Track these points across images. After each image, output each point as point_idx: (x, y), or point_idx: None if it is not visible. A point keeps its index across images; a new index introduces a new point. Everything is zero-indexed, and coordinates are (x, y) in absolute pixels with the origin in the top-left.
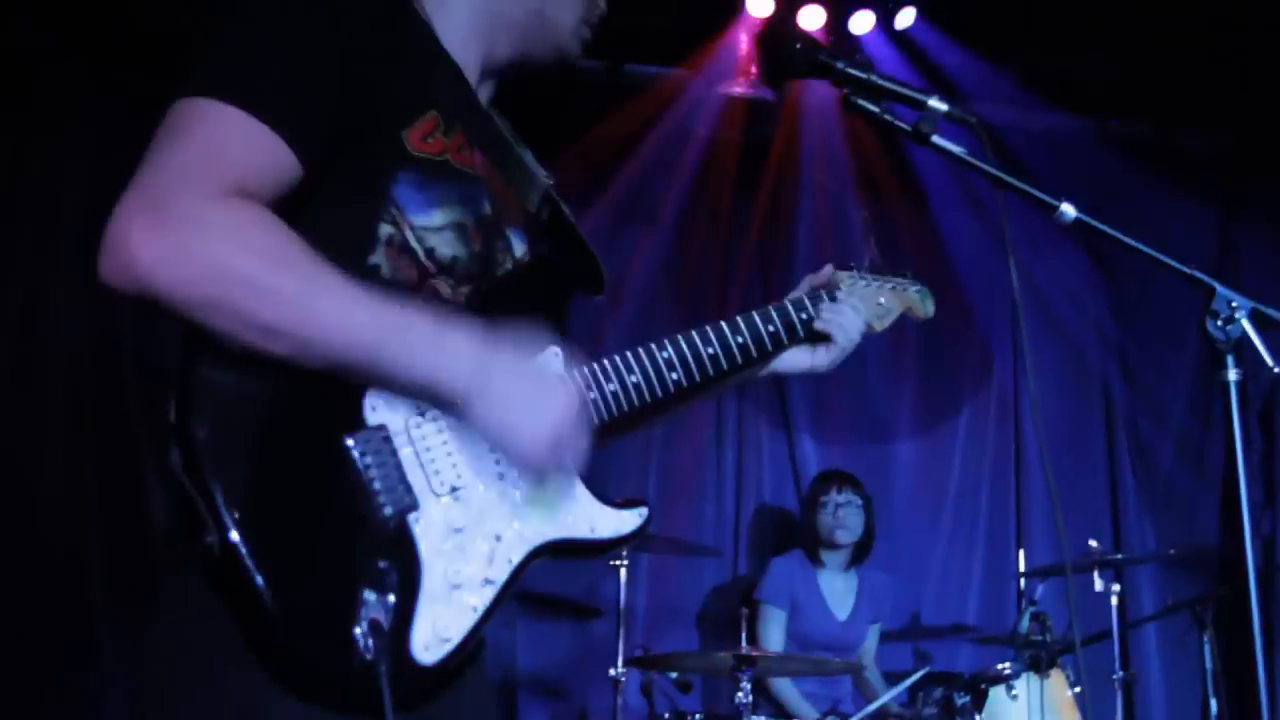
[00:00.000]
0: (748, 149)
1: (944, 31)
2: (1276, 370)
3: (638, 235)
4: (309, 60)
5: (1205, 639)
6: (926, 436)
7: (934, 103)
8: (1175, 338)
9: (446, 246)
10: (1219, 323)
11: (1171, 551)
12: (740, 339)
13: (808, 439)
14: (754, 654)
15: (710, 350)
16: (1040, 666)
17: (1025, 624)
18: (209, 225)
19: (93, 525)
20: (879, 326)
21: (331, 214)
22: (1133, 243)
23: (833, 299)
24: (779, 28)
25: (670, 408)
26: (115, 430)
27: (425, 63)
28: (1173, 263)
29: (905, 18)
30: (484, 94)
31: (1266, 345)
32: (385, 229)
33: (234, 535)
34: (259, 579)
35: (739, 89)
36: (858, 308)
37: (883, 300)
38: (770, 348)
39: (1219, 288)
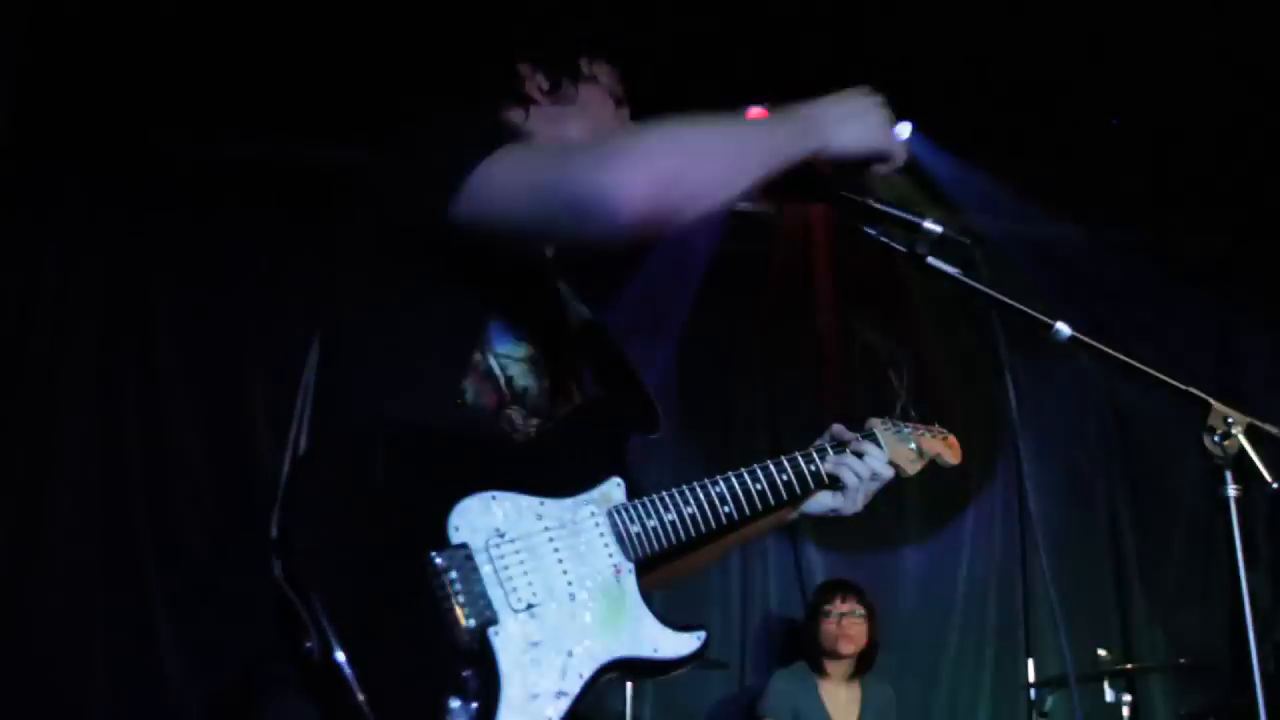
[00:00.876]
0: (749, 261)
1: (939, 144)
2: (1275, 486)
3: (639, 348)
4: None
5: None
6: (932, 544)
7: (929, 225)
8: (1180, 441)
9: (522, 377)
10: (1216, 438)
11: (1182, 660)
12: (785, 477)
13: (812, 547)
14: None
15: (759, 487)
16: None
17: None
18: (629, 149)
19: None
20: (910, 471)
21: (442, 331)
22: (1128, 360)
23: (845, 449)
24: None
25: (708, 551)
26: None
27: None
28: (1168, 379)
29: (901, 131)
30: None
31: (1264, 461)
32: (475, 355)
33: (333, 640)
34: (355, 685)
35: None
36: (874, 455)
37: (913, 446)
38: (812, 487)
39: (1214, 404)
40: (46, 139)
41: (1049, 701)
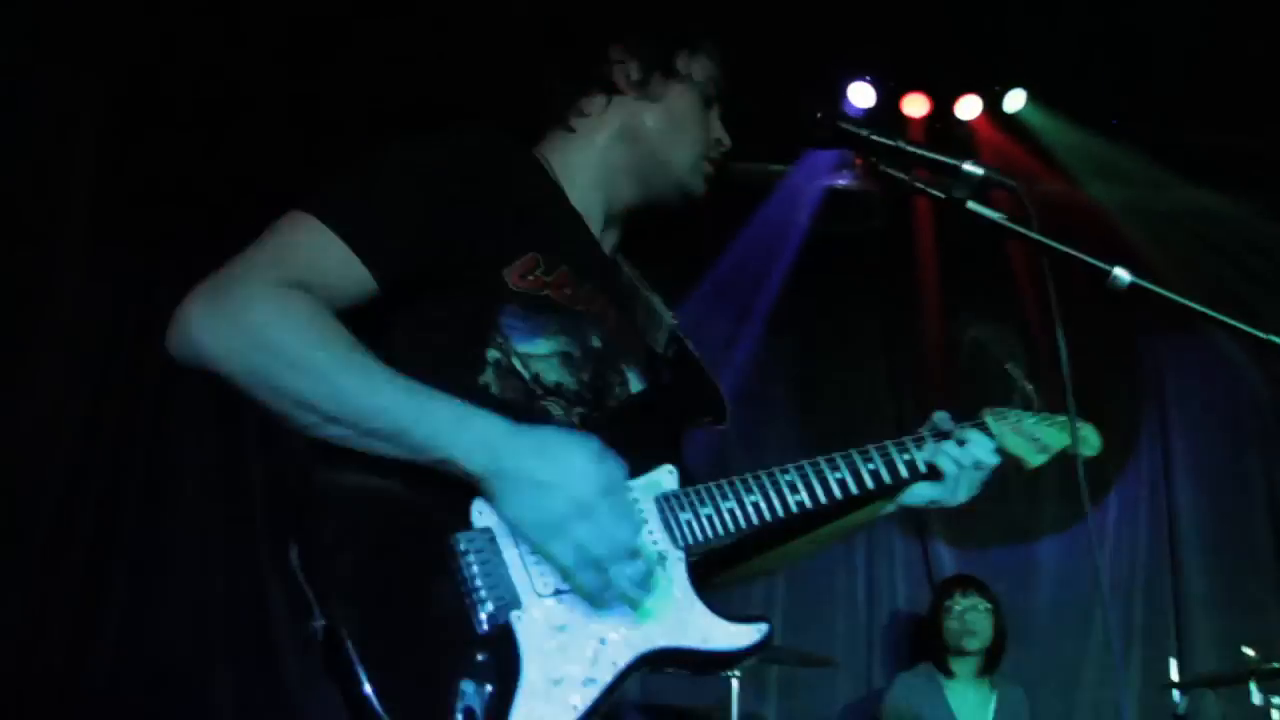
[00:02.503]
0: (850, 242)
1: (1059, 113)
2: None
3: (732, 329)
4: (400, 202)
5: None
6: (1070, 535)
7: (969, 167)
8: None
9: (552, 373)
10: None
11: None
12: (872, 466)
13: (941, 543)
14: None
15: (838, 475)
16: None
17: None
18: (259, 304)
19: None
20: (1033, 463)
21: (445, 337)
22: (1198, 309)
23: (946, 437)
24: (803, 100)
25: (796, 546)
26: None
27: (534, 212)
28: (1245, 328)
29: (1015, 100)
30: (609, 240)
31: None
32: (493, 353)
33: (333, 620)
34: (357, 662)
35: (842, 181)
36: (978, 444)
37: (1039, 437)
38: (904, 476)
39: None
40: (159, 165)
41: (1185, 703)
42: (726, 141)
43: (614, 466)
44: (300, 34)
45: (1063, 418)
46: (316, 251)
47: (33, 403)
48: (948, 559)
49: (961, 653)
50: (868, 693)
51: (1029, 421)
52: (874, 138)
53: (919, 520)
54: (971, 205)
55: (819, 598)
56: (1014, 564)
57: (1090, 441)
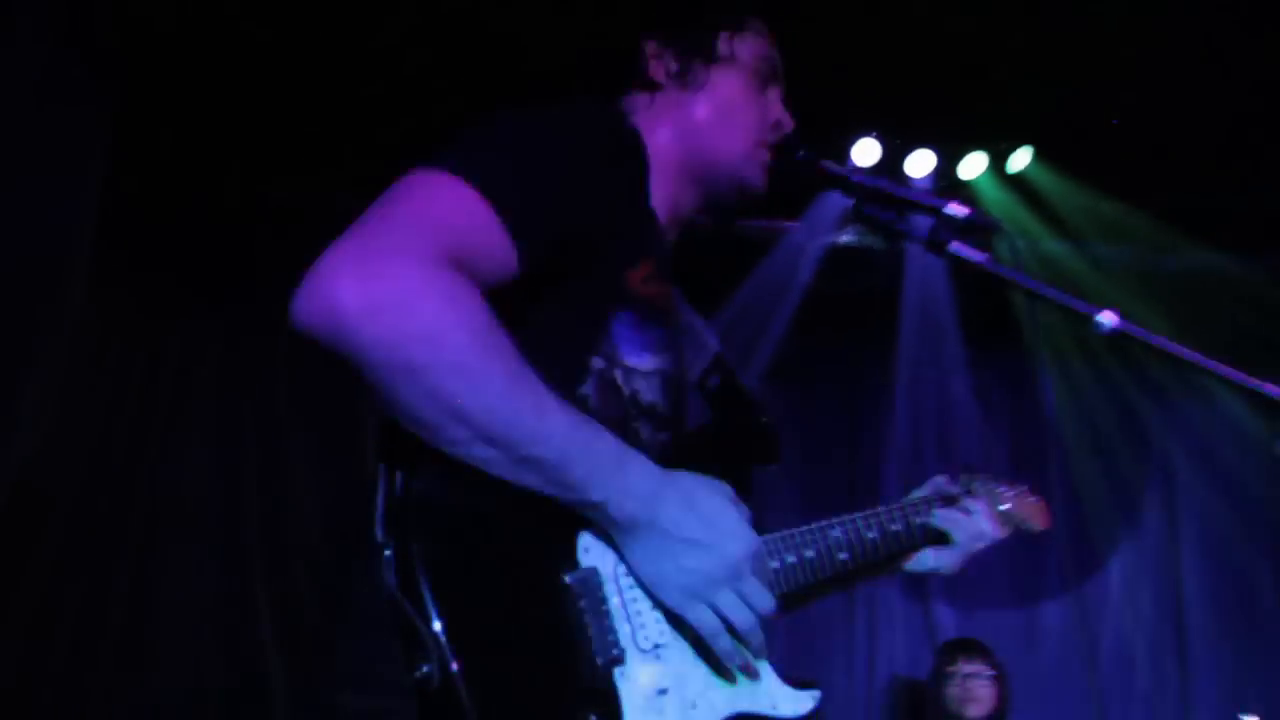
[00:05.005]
0: (850, 299)
1: (1063, 172)
2: None
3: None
4: (556, 179)
5: None
6: (1074, 600)
7: (952, 208)
8: None
9: (650, 392)
10: None
11: None
12: (897, 527)
13: (943, 604)
14: None
15: (871, 535)
16: None
17: None
18: (431, 288)
19: None
20: (996, 535)
21: (552, 338)
22: (1185, 354)
23: (955, 504)
24: (790, 139)
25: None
26: None
27: (646, 213)
28: (1237, 377)
29: (1020, 159)
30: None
31: None
32: (598, 362)
33: (455, 667)
34: (474, 715)
35: (845, 238)
36: (981, 514)
37: (1005, 508)
38: (920, 541)
39: None
40: (165, 184)
41: None
42: (788, 123)
43: (752, 529)
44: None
45: (1019, 491)
46: (469, 225)
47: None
48: (949, 620)
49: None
50: None
51: (999, 491)
52: (855, 178)
53: (920, 579)
54: (954, 247)
55: (819, 657)
56: (1016, 627)
57: (1041, 520)
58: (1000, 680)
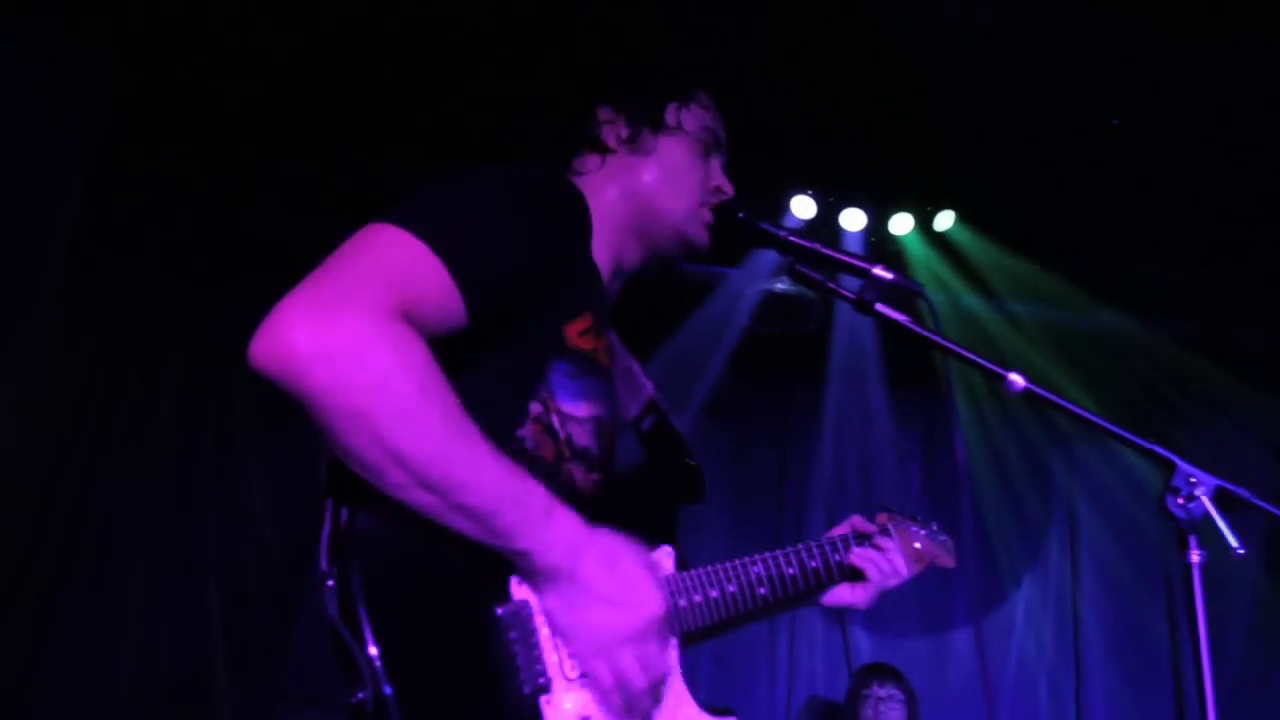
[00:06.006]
0: (783, 342)
1: (984, 234)
2: (1240, 552)
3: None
4: (503, 237)
5: None
6: (982, 628)
7: (879, 271)
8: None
9: (583, 437)
10: (1180, 501)
11: None
12: (815, 563)
13: (859, 629)
14: None
15: (791, 571)
16: None
17: None
18: (380, 338)
19: None
20: (907, 573)
21: (492, 385)
22: (1087, 415)
23: (868, 541)
24: (731, 201)
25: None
26: None
27: (587, 269)
28: (1129, 436)
29: (944, 220)
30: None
31: (1230, 526)
32: (536, 407)
33: (388, 692)
34: None
35: (780, 285)
36: (895, 551)
37: (918, 546)
38: (837, 577)
39: (1180, 463)
40: (127, 210)
41: None
42: (728, 189)
43: (663, 594)
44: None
45: (931, 529)
46: (420, 278)
47: None
48: (865, 644)
49: None
50: None
51: (912, 530)
52: (790, 239)
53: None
54: (879, 308)
55: (741, 677)
56: (928, 651)
57: (950, 557)
58: (911, 703)
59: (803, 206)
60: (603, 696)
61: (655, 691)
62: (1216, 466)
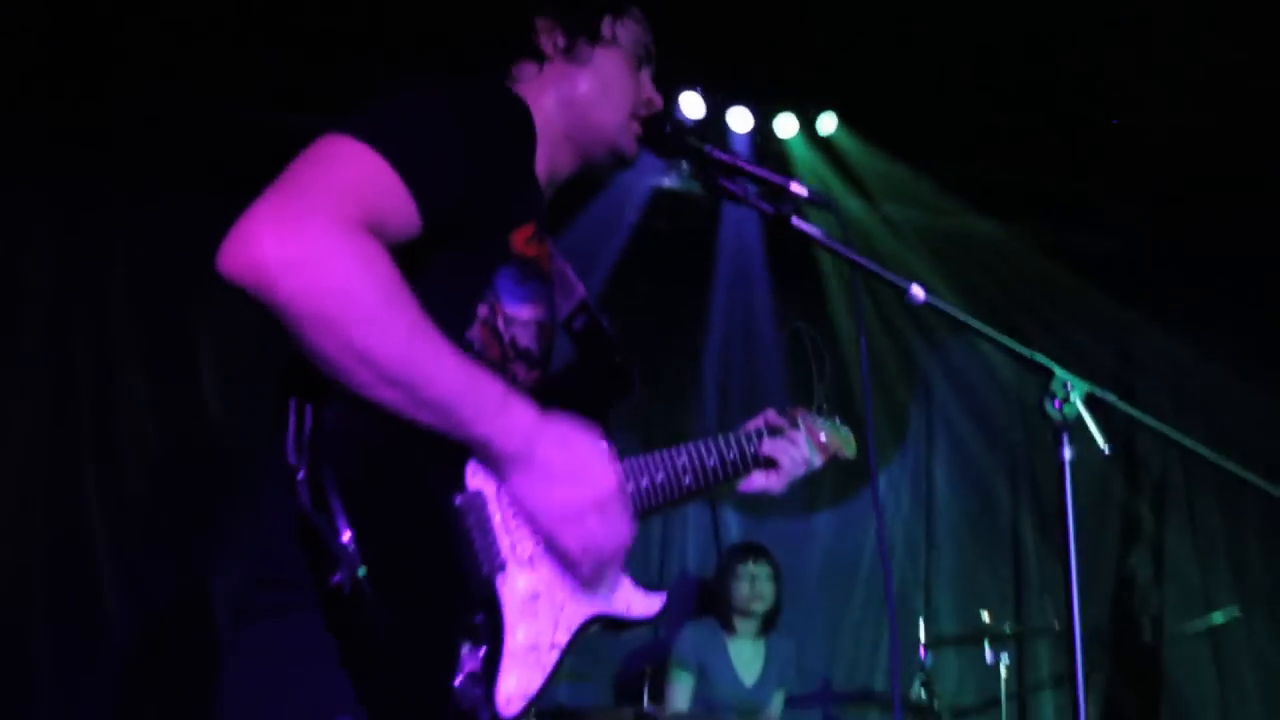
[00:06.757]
0: (674, 239)
1: (864, 138)
2: (1106, 452)
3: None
4: (457, 147)
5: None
6: (842, 509)
7: (795, 187)
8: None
9: (525, 338)
10: (1055, 403)
11: (1057, 626)
12: (733, 455)
13: (729, 510)
14: (657, 714)
15: (712, 462)
16: None
17: (916, 690)
18: (346, 248)
19: None
20: (816, 462)
21: (442, 287)
22: (978, 326)
23: (780, 434)
24: (658, 114)
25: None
26: None
27: (530, 178)
28: (1012, 344)
29: (827, 123)
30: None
31: (1099, 427)
32: (483, 309)
33: (362, 572)
34: (379, 622)
35: (668, 181)
36: (803, 443)
37: (823, 438)
38: (751, 467)
39: (1057, 370)
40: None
41: (927, 658)
42: (658, 101)
43: (617, 467)
44: None
45: (834, 422)
46: (378, 188)
47: None
48: (734, 525)
49: (747, 614)
50: (654, 639)
51: (819, 423)
52: (714, 154)
53: None
54: (796, 221)
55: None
56: (791, 532)
57: (851, 449)
58: (778, 579)
59: (691, 104)
60: (569, 569)
61: (619, 558)
62: (1068, 365)
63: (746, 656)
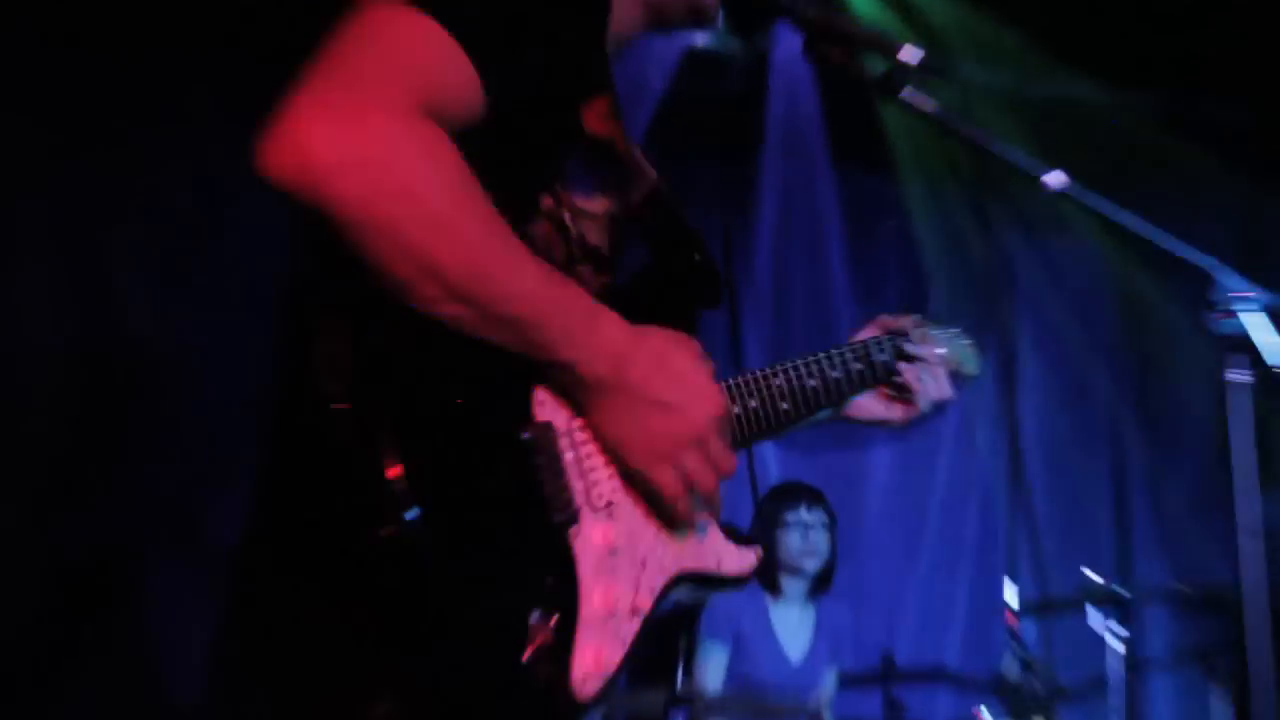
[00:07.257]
0: (709, 105)
1: None
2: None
3: None
4: (521, 12)
5: (1213, 695)
6: (905, 442)
7: (907, 53)
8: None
9: (595, 234)
10: (1217, 315)
11: (1183, 589)
12: (836, 374)
13: (767, 444)
14: (691, 696)
15: (812, 384)
16: (1026, 716)
17: (1009, 667)
18: (407, 142)
19: None
20: (949, 391)
21: (501, 175)
22: (1124, 218)
23: (913, 356)
24: None
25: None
26: None
27: (603, 47)
28: (1169, 243)
29: None
30: None
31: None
32: (546, 200)
33: (411, 515)
34: (430, 582)
35: (700, 42)
36: (940, 369)
37: (941, 351)
38: (859, 387)
39: (1218, 275)
40: None
41: (1025, 629)
42: None
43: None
44: None
45: (954, 332)
46: (438, 64)
47: None
48: (773, 459)
49: (797, 572)
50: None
51: (934, 334)
52: (810, 12)
53: None
54: (906, 95)
55: None
56: (842, 470)
57: (972, 364)
58: (833, 530)
59: None
60: (656, 514)
61: (718, 501)
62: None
63: (793, 625)
